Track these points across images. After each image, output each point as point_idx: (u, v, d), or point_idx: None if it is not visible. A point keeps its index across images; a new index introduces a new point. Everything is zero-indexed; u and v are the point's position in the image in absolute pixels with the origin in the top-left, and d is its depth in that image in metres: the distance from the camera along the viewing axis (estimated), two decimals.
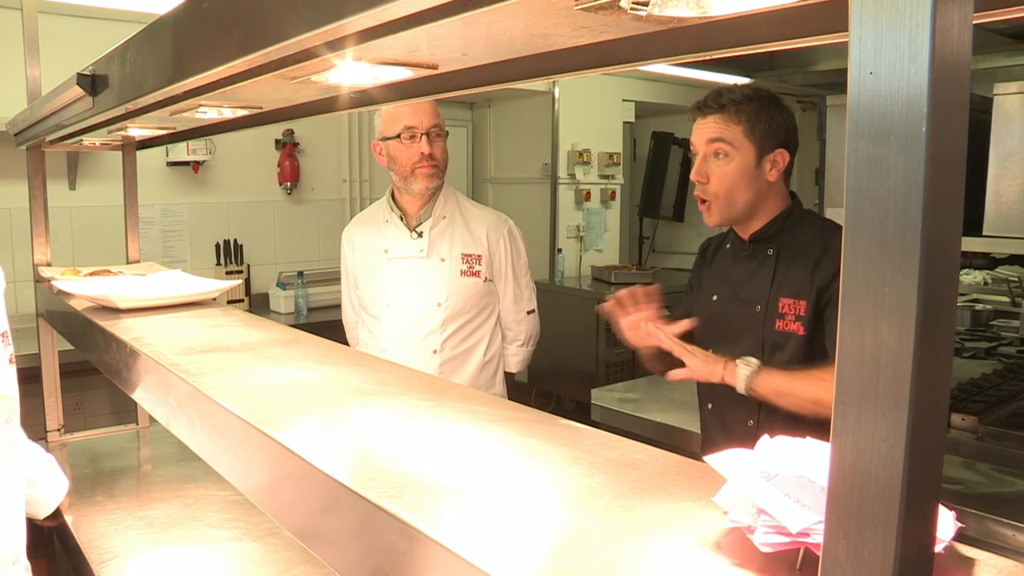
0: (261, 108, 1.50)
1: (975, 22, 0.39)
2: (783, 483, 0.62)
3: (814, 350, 1.92)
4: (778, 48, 0.76)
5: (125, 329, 1.70)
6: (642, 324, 2.02)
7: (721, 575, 0.62)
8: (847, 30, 0.69)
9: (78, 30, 4.36)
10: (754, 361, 1.85)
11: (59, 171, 4.52)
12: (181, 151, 4.77)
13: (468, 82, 1.08)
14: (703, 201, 2.01)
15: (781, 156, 1.97)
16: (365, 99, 1.37)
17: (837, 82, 5.20)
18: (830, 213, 3.00)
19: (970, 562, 0.63)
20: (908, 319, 0.35)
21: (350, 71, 1.02)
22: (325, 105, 1.46)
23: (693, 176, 2.01)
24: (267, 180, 5.34)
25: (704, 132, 1.99)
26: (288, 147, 5.28)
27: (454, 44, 0.86)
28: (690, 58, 0.88)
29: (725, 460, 0.67)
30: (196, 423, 1.21)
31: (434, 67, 0.99)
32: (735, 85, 2.03)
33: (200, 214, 5.07)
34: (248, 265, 5.15)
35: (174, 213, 4.99)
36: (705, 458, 0.70)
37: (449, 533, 0.69)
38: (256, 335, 1.65)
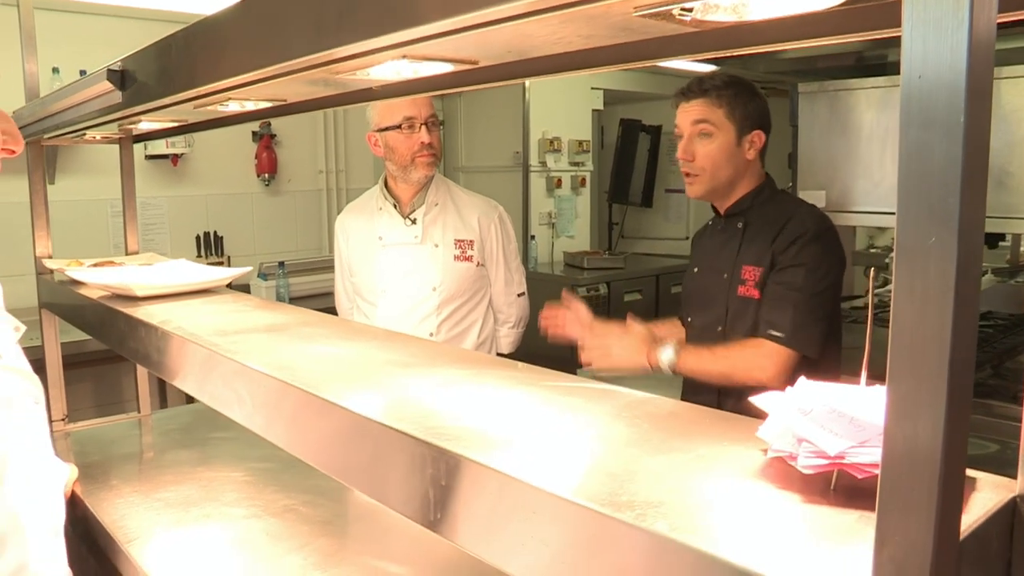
0: (285, 101, 1.59)
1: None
2: (817, 416, 0.73)
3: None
4: (795, 47, 0.87)
5: (150, 315, 1.78)
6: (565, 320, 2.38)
7: (769, 496, 0.73)
8: (863, 30, 0.80)
9: (71, 26, 4.38)
10: (670, 347, 2.10)
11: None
12: (160, 145, 4.81)
13: (501, 76, 1.17)
14: (688, 175, 2.27)
15: (758, 137, 2.24)
16: (389, 91, 1.46)
17: (802, 69, 5.36)
18: (803, 195, 3.14)
19: (973, 480, 0.75)
20: (950, 262, 0.47)
21: (394, 68, 1.11)
22: (347, 98, 1.55)
23: (680, 154, 2.26)
24: (245, 172, 5.39)
25: (689, 115, 2.24)
26: (265, 139, 5.33)
27: (503, 44, 0.96)
28: (709, 55, 0.99)
29: (767, 399, 0.79)
30: (246, 398, 1.30)
31: (475, 63, 1.09)
32: (714, 72, 2.29)
33: (179, 207, 5.11)
34: (228, 256, 5.21)
35: (153, 206, 5.02)
36: (751, 399, 0.81)
37: (523, 470, 0.79)
38: (279, 317, 1.73)
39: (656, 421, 0.94)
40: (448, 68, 1.11)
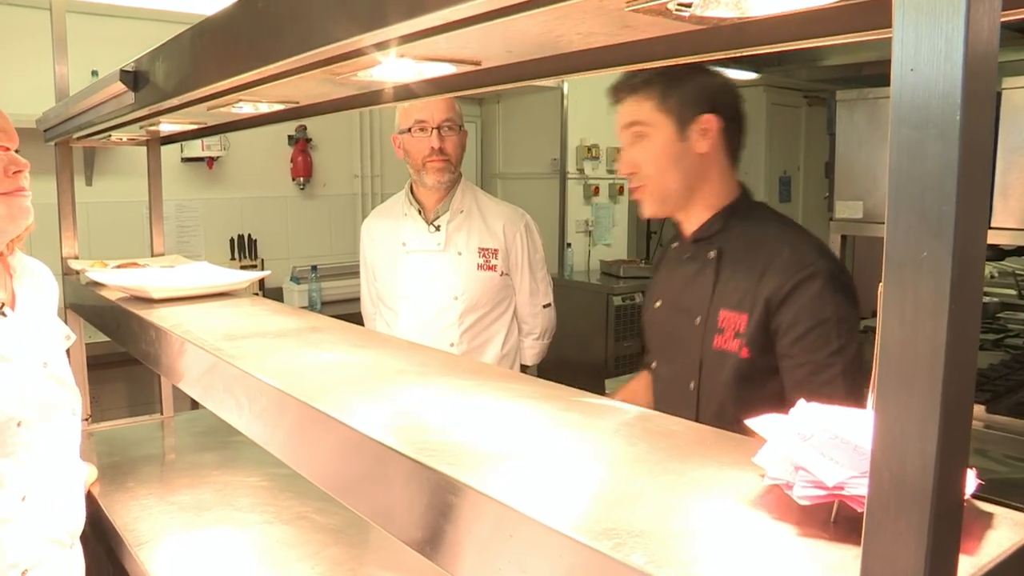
0: (297, 103, 1.56)
1: (1002, 19, 0.44)
2: (818, 443, 0.68)
3: (754, 377, 1.64)
4: (806, 46, 0.81)
5: (161, 317, 1.76)
6: None
7: (762, 527, 0.68)
8: (874, 28, 0.75)
9: (102, 29, 4.44)
10: None
11: (76, 167, 4.58)
12: (195, 147, 4.84)
13: (506, 78, 1.14)
14: (634, 190, 1.83)
15: (708, 122, 1.73)
16: (400, 94, 1.43)
17: (844, 77, 5.25)
18: (840, 206, 3.05)
19: (988, 516, 0.69)
20: (944, 278, 0.42)
21: (395, 68, 1.08)
22: (359, 100, 1.52)
23: (619, 169, 1.86)
24: (280, 175, 5.41)
25: (620, 119, 1.82)
26: (301, 143, 5.34)
27: (502, 42, 0.92)
28: (720, 55, 0.94)
29: (764, 423, 0.74)
30: (244, 405, 1.27)
31: (477, 63, 1.05)
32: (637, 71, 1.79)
33: (214, 209, 5.14)
34: (262, 259, 5.22)
35: (189, 208, 5.06)
36: (747, 422, 0.76)
37: (505, 491, 0.74)
38: (291, 322, 1.71)
39: (655, 440, 0.90)
40: (451, 69, 1.08)
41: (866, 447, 0.67)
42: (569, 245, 6.22)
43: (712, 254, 1.73)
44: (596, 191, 6.45)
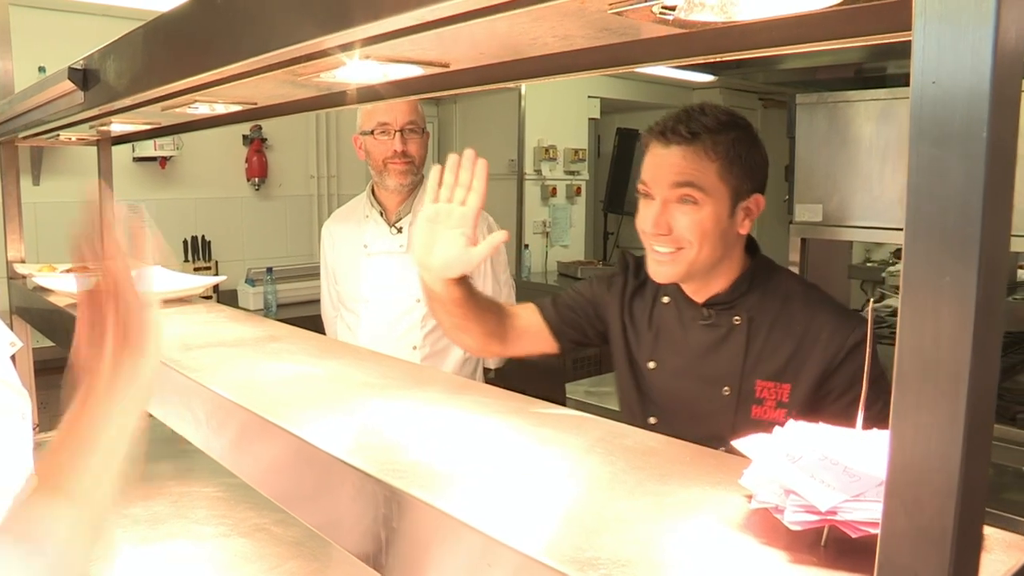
0: (256, 104, 1.51)
1: None
2: (808, 464, 0.65)
3: None
4: (792, 51, 0.79)
5: None
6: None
7: (750, 553, 0.65)
8: (864, 34, 0.73)
9: (49, 23, 4.31)
10: None
11: (23, 166, 4.45)
12: (148, 147, 4.72)
13: (475, 80, 1.10)
14: (660, 253, 1.56)
15: (755, 204, 1.56)
16: (364, 95, 1.38)
17: (801, 80, 5.30)
18: (800, 209, 3.06)
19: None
20: (968, 305, 0.39)
21: (360, 70, 1.04)
22: (320, 102, 1.47)
23: (652, 227, 1.54)
24: (235, 176, 5.31)
25: (669, 170, 1.53)
26: (256, 143, 5.25)
27: (472, 44, 0.88)
28: (699, 60, 0.92)
29: (750, 444, 0.71)
30: (201, 419, 1.22)
31: (445, 65, 1.01)
32: (705, 106, 1.57)
33: (167, 210, 5.02)
34: (216, 261, 5.12)
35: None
36: (733, 442, 0.73)
37: (482, 516, 0.71)
38: (249, 331, 1.66)
39: (633, 458, 0.87)
40: (418, 71, 1.04)
41: (857, 469, 0.65)
42: (527, 246, 6.20)
43: (738, 320, 1.57)
44: (553, 192, 6.43)
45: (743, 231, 1.56)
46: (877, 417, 1.42)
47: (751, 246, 1.63)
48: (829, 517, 0.61)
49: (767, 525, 0.69)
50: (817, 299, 1.58)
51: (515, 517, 0.72)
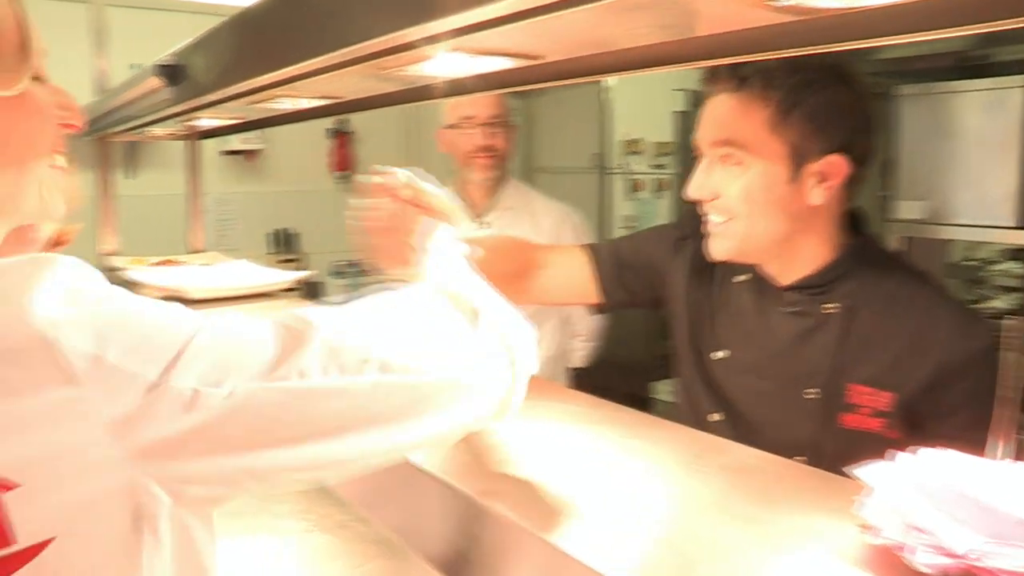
0: (341, 98, 1.49)
1: None
2: (940, 500, 0.59)
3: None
4: (921, 38, 0.72)
5: None
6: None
7: None
8: (999, 19, 0.65)
9: (142, 22, 4.41)
10: None
11: (117, 160, 4.58)
12: (235, 140, 4.80)
13: (570, 72, 1.05)
14: (707, 223, 1.32)
15: (832, 167, 1.21)
16: (450, 89, 1.34)
17: (897, 70, 5.08)
18: (903, 207, 2.93)
19: None
20: None
21: (448, 63, 1.00)
22: (406, 96, 1.45)
23: (694, 190, 1.31)
24: (321, 168, 5.37)
25: (710, 124, 1.30)
26: (341, 135, 5.30)
27: (574, 35, 0.83)
28: (810, 50, 0.85)
29: (871, 473, 0.64)
30: None
31: (539, 58, 0.97)
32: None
33: (254, 203, 5.10)
34: (303, 254, 5.18)
35: (228, 202, 5.02)
36: (854, 471, 0.67)
37: (579, 543, 0.66)
38: None
39: (732, 477, 0.81)
40: (508, 64, 0.99)
41: (996, 505, 0.58)
42: None
43: (833, 309, 1.28)
44: (639, 186, 6.34)
45: (813, 202, 1.22)
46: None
47: (856, 222, 1.33)
48: (968, 562, 0.55)
49: (885, 562, 0.62)
50: (936, 294, 1.30)
51: (607, 542, 0.67)
